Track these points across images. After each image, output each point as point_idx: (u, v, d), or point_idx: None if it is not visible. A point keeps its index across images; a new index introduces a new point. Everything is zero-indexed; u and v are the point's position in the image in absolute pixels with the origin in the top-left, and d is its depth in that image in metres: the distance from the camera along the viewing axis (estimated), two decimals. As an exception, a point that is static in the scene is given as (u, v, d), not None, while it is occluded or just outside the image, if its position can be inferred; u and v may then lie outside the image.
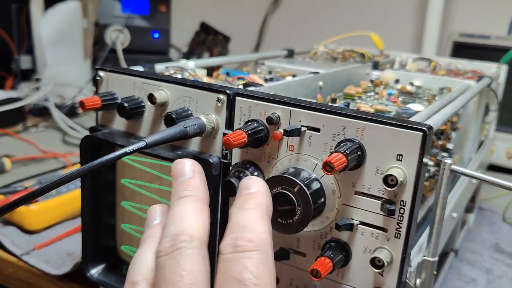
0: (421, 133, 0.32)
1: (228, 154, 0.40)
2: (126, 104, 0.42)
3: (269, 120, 0.36)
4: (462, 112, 0.59)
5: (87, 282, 0.50)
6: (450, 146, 0.56)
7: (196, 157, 0.39)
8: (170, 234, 0.28)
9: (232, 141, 0.35)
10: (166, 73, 0.50)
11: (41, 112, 1.07)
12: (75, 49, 1.21)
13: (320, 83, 0.52)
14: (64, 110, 1.05)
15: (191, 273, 0.27)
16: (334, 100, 0.48)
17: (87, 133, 0.45)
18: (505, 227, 0.72)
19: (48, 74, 1.14)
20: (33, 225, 0.60)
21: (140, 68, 0.49)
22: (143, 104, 0.43)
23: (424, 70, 0.72)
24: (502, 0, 1.08)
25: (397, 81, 0.60)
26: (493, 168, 0.90)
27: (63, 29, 1.16)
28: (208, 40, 1.35)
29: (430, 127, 0.32)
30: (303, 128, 0.36)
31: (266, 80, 0.52)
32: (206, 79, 0.51)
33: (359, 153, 0.34)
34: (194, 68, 0.54)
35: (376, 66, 0.66)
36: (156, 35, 1.25)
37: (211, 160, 0.39)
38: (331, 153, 0.32)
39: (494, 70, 0.71)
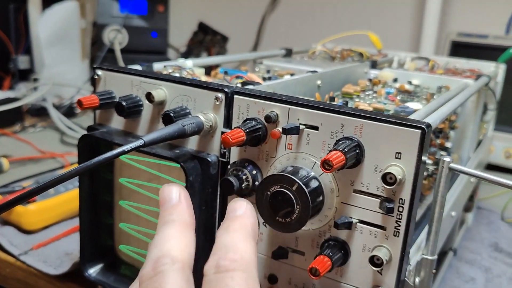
0: (419, 131, 0.32)
1: (226, 153, 0.39)
2: (124, 103, 0.42)
3: (267, 118, 0.36)
4: (460, 111, 0.59)
5: (85, 282, 0.50)
6: (448, 145, 0.56)
7: (194, 155, 0.39)
8: (153, 258, 0.28)
9: (230, 140, 0.35)
10: (164, 72, 0.49)
11: (39, 112, 1.07)
12: (73, 49, 1.21)
13: (318, 82, 0.52)
14: (62, 110, 1.05)
15: None
16: (332, 99, 0.48)
17: (85, 133, 0.45)
18: (504, 226, 0.72)
19: (46, 74, 1.14)
20: (31, 225, 0.60)
21: (138, 67, 0.49)
22: (141, 103, 0.43)
23: (422, 69, 0.72)
24: (500, 0, 1.08)
25: (395, 80, 0.60)
26: (492, 167, 0.90)
27: (61, 29, 1.16)
28: (206, 40, 1.35)
29: (428, 125, 0.32)
30: (301, 126, 0.36)
31: (264, 79, 0.52)
32: (204, 78, 0.50)
33: (357, 151, 0.33)
34: (192, 67, 0.54)
35: (374, 65, 0.66)
36: (154, 35, 1.25)
37: (209, 159, 0.39)
38: (330, 151, 0.32)
39: (492, 69, 0.71)
